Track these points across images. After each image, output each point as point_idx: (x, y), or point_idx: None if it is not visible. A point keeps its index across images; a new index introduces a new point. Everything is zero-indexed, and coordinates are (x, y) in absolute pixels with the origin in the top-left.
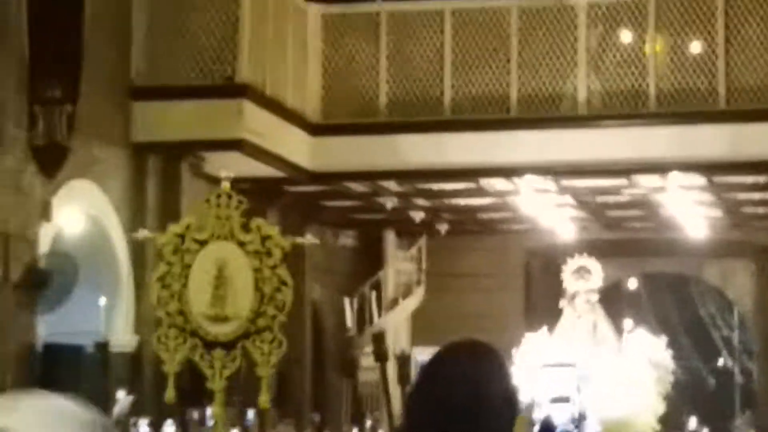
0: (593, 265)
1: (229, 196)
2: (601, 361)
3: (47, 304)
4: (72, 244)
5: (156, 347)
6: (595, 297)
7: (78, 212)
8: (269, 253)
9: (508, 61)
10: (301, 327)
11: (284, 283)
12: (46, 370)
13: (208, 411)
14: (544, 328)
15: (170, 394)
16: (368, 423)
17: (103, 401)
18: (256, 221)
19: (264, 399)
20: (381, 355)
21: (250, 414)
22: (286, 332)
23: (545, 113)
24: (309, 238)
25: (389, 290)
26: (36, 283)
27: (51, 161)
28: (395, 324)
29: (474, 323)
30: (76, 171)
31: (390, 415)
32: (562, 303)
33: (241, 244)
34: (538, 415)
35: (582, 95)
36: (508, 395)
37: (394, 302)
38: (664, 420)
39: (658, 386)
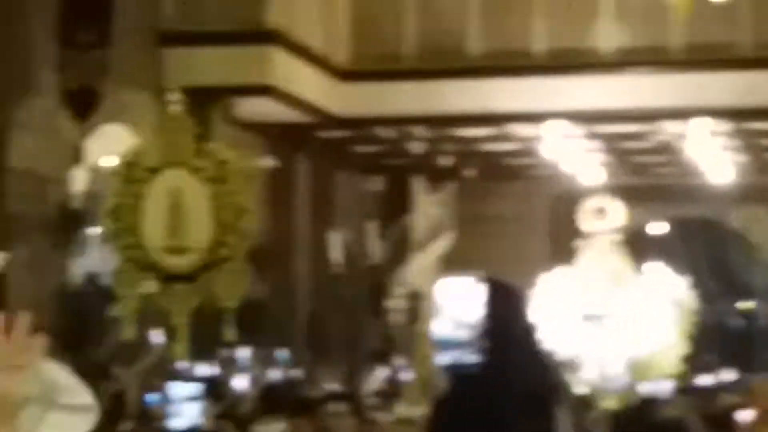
0: (613, 204)
1: (181, 119)
2: (621, 301)
3: (80, 245)
4: (104, 186)
5: (114, 284)
6: (615, 237)
7: (109, 155)
8: (226, 180)
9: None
10: (329, 270)
11: (245, 210)
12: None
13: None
14: (560, 269)
15: (128, 331)
16: (395, 364)
17: None
18: (211, 145)
19: (229, 333)
20: (414, 314)
21: (282, 354)
22: (319, 278)
23: (571, 61)
24: (268, 161)
25: (417, 234)
26: (69, 224)
27: (83, 105)
28: (423, 268)
29: (499, 267)
30: (107, 115)
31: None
32: (579, 243)
33: (196, 171)
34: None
35: (607, 43)
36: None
37: (422, 246)
38: (688, 361)
39: (680, 326)
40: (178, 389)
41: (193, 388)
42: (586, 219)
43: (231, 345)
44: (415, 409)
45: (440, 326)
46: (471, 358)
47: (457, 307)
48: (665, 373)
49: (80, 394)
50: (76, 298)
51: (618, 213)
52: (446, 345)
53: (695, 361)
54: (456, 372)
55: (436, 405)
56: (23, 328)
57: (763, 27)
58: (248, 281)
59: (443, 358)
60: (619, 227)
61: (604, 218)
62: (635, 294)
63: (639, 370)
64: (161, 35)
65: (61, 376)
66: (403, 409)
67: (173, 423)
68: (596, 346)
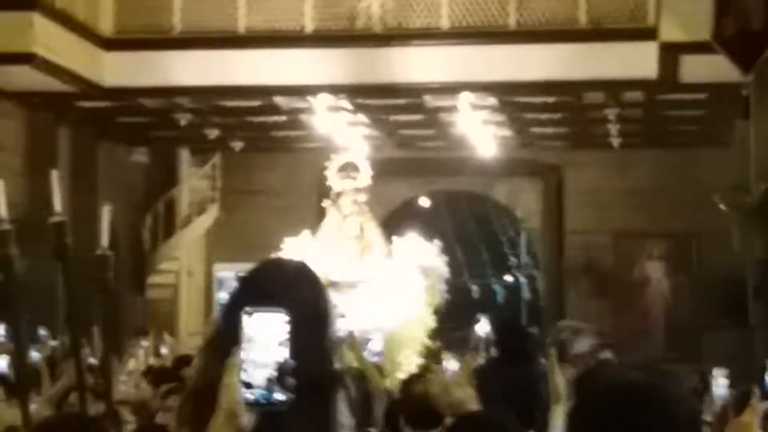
0: (361, 161)
1: None
2: (367, 269)
3: None
4: None
5: None
6: (363, 197)
7: None
8: None
9: None
10: (94, 244)
11: None
12: None
13: None
14: (306, 232)
15: None
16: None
17: None
18: None
19: None
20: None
21: (43, 332)
22: (81, 251)
23: (339, 34)
24: None
25: (183, 208)
26: None
27: None
28: (189, 242)
29: (268, 240)
30: None
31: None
32: (326, 203)
33: None
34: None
35: (376, 13)
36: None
37: (188, 220)
38: (437, 333)
39: (428, 296)
40: None
41: None
42: (332, 177)
43: None
44: None
45: (247, 351)
46: (278, 392)
47: (262, 333)
48: (417, 345)
49: None
50: None
51: (365, 170)
52: (252, 371)
53: (451, 333)
54: (262, 406)
55: None
56: None
57: (529, 2)
58: None
59: (249, 390)
60: (366, 187)
61: (351, 176)
62: (381, 262)
63: (390, 341)
64: None
65: None
66: None
67: None
68: (342, 314)
